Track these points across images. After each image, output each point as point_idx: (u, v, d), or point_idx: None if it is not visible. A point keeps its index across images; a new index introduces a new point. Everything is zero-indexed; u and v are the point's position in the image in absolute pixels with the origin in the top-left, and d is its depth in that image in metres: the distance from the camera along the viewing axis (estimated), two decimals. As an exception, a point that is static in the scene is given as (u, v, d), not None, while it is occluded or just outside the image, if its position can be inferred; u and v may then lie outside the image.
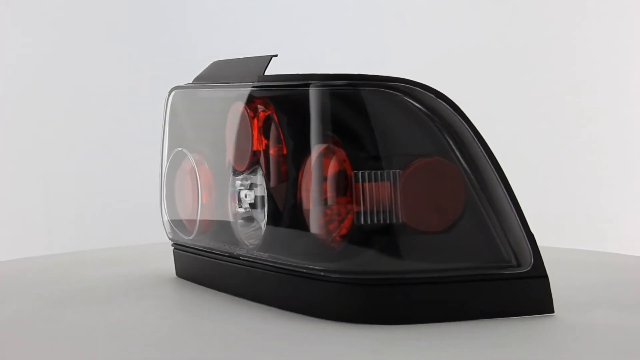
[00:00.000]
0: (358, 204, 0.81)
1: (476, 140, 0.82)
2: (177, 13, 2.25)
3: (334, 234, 0.82)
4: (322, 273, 0.83)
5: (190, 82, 1.02)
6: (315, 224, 0.83)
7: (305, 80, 0.84)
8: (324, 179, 0.83)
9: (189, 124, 1.03)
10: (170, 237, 1.05)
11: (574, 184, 2.33)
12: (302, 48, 2.23)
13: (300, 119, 0.84)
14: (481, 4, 2.34)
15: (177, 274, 1.06)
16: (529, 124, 2.33)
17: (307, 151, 0.84)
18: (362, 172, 0.81)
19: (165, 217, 1.05)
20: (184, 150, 1.02)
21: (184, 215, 1.03)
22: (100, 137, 2.22)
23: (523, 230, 0.82)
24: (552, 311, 0.83)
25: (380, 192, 0.81)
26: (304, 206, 0.85)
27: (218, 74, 0.99)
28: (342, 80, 0.82)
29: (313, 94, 0.83)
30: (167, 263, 1.08)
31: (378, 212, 0.81)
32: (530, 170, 2.30)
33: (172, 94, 1.04)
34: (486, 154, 0.82)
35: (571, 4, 2.35)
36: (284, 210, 0.87)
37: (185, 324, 0.88)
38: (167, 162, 1.04)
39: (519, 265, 0.83)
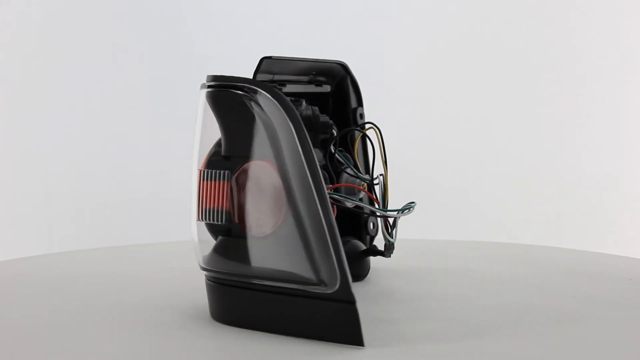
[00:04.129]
0: (198, 201, 0.84)
1: (300, 150, 0.78)
2: (177, 13, 2.25)
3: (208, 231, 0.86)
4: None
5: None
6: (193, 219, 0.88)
7: None
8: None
9: None
10: None
11: (574, 184, 2.32)
12: (302, 47, 2.24)
13: None
14: (481, 4, 2.34)
15: None
16: (529, 124, 2.33)
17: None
18: (206, 171, 0.83)
19: None
20: None
21: None
22: (100, 136, 2.22)
23: (333, 250, 0.77)
24: (361, 344, 0.77)
25: (212, 192, 0.83)
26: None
27: None
28: (211, 82, 0.83)
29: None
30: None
31: (211, 211, 0.83)
32: (530, 170, 2.30)
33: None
34: (307, 165, 0.78)
35: (571, 4, 2.35)
36: None
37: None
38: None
39: (323, 284, 0.78)
